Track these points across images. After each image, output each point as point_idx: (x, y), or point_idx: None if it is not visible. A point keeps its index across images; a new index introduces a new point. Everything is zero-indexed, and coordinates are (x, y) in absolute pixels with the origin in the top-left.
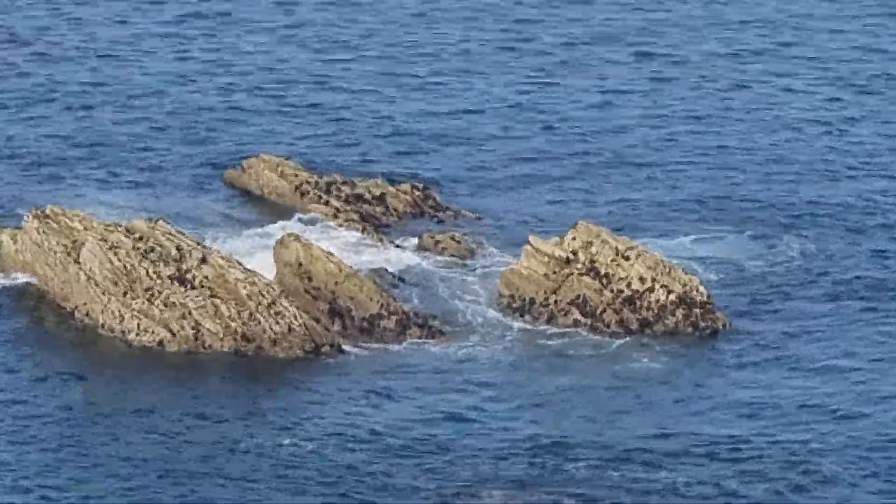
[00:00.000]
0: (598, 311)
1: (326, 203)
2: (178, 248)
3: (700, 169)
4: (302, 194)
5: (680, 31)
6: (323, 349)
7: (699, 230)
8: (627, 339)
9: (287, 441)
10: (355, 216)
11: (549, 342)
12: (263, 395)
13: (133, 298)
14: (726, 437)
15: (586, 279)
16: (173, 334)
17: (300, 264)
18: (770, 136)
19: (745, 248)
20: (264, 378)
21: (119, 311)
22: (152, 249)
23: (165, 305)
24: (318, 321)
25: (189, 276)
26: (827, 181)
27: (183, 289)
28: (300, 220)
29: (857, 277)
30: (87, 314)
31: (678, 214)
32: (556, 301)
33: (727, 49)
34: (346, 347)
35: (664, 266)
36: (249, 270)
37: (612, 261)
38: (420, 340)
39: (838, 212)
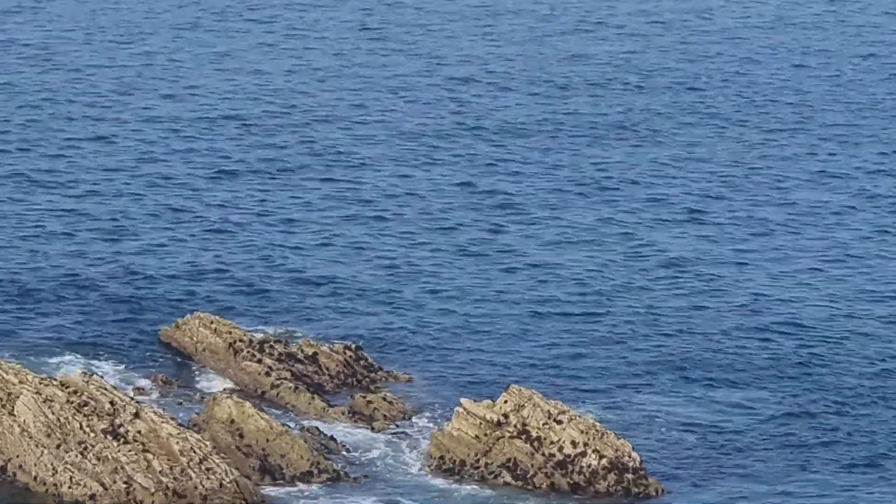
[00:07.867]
0: (529, 475)
1: (259, 361)
2: (112, 403)
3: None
4: (235, 352)
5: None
6: None
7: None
8: (557, 502)
9: None
10: (288, 374)
11: (475, 502)
12: None
13: (66, 451)
14: None
15: (517, 442)
16: (105, 488)
17: (232, 421)
18: None
19: (701, 406)
20: None
21: (52, 464)
22: (86, 403)
23: (98, 459)
24: (248, 478)
25: (122, 430)
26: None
27: (116, 443)
28: (233, 377)
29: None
30: (20, 467)
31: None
32: (486, 463)
33: None
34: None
35: (596, 430)
36: (182, 426)
37: (544, 424)
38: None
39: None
